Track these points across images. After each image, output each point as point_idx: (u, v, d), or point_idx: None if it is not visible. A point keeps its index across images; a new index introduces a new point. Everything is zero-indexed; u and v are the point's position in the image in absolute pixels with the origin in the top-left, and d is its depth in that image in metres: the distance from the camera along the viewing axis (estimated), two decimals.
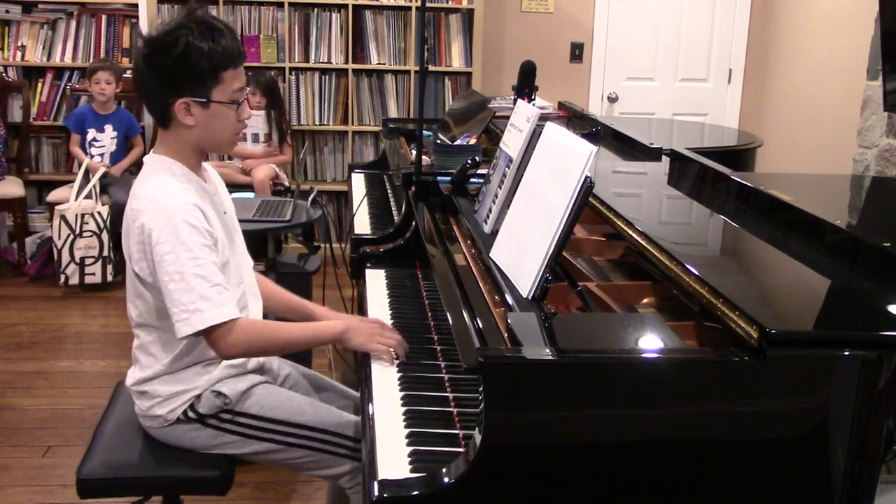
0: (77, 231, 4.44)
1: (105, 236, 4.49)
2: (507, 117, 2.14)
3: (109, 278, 4.54)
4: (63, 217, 4.42)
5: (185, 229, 1.75)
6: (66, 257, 4.46)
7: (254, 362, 1.99)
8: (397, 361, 1.81)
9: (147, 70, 1.80)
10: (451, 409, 1.62)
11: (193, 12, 1.80)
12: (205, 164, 1.97)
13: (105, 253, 4.51)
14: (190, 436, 1.91)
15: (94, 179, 4.53)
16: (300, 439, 1.91)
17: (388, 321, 2.03)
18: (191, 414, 1.89)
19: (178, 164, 1.86)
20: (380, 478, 1.35)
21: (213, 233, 1.81)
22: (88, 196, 4.50)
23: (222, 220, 1.91)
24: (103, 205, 4.53)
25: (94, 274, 4.52)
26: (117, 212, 4.56)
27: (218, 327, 1.75)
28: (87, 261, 4.50)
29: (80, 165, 4.68)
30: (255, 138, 4.85)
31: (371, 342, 1.83)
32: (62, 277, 4.48)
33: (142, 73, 1.81)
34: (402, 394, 1.68)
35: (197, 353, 1.87)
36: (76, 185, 4.54)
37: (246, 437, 1.91)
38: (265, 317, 2.07)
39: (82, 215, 4.44)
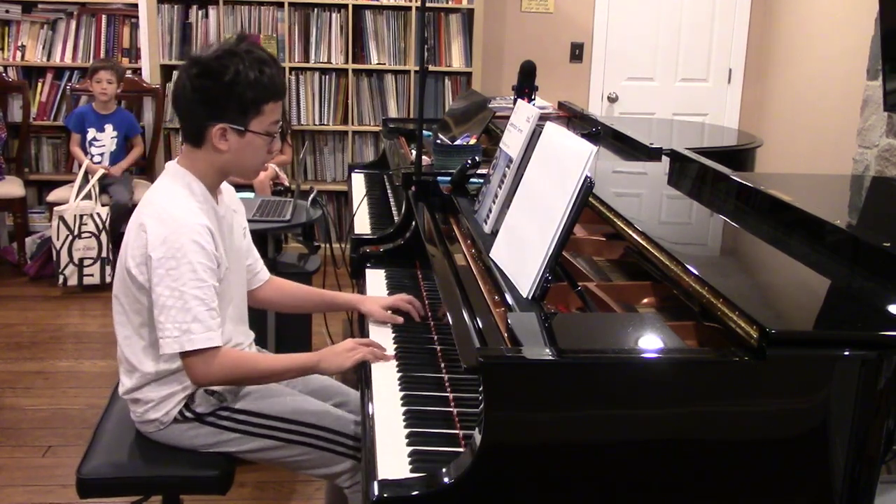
0: (76, 232, 4.44)
1: (104, 237, 4.48)
2: (507, 117, 2.14)
3: (108, 279, 4.53)
4: (62, 218, 4.42)
5: (194, 249, 1.76)
6: (64, 258, 4.45)
7: None
8: (397, 362, 1.81)
9: (191, 91, 1.80)
10: (451, 409, 1.63)
11: (243, 40, 1.82)
12: (223, 185, 1.98)
13: (104, 254, 4.50)
14: (189, 435, 1.91)
15: (94, 181, 4.53)
16: (300, 436, 1.91)
17: (388, 321, 2.03)
18: (187, 413, 1.90)
19: (197, 182, 1.87)
20: (380, 478, 1.35)
21: (219, 257, 1.83)
22: (87, 197, 4.50)
23: (227, 244, 1.91)
24: (103, 205, 4.53)
25: (92, 275, 4.52)
26: (118, 212, 4.55)
27: (202, 352, 1.77)
28: (86, 262, 4.50)
29: (80, 165, 4.68)
30: None
31: (347, 361, 1.83)
32: (61, 278, 4.48)
33: (185, 93, 1.82)
34: (402, 394, 1.68)
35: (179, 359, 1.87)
36: (76, 185, 4.53)
37: (245, 433, 1.91)
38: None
39: (81, 216, 4.44)
